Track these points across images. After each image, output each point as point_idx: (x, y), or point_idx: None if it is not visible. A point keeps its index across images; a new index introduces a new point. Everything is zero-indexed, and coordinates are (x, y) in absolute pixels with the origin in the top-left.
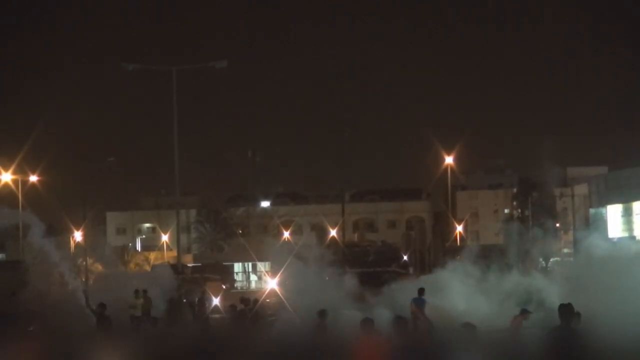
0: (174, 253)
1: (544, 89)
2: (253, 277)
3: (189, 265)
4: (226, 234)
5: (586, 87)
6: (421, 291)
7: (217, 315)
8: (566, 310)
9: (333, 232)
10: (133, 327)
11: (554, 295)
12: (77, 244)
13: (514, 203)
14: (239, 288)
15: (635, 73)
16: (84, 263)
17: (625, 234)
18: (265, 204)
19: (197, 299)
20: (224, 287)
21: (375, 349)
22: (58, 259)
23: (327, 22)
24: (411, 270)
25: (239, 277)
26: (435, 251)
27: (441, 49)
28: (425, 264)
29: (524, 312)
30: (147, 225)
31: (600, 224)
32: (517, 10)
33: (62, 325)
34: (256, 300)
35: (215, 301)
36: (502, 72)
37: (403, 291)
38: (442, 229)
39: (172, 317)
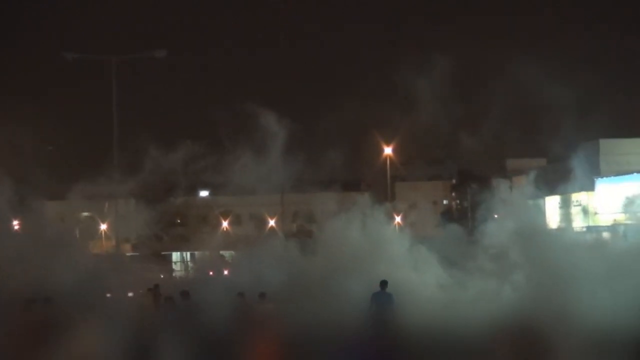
0: (113, 242)
1: (483, 81)
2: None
3: (128, 254)
4: (165, 223)
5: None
6: (384, 284)
7: None
8: None
9: (272, 222)
10: None
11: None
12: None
13: (453, 194)
14: (177, 277)
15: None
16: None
17: (563, 225)
18: (204, 193)
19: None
20: (162, 276)
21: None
22: None
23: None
24: None
25: (177, 267)
26: None
27: (386, 37)
28: None
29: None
30: (86, 214)
31: (539, 215)
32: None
33: None
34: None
35: None
36: (442, 63)
37: None
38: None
39: None
